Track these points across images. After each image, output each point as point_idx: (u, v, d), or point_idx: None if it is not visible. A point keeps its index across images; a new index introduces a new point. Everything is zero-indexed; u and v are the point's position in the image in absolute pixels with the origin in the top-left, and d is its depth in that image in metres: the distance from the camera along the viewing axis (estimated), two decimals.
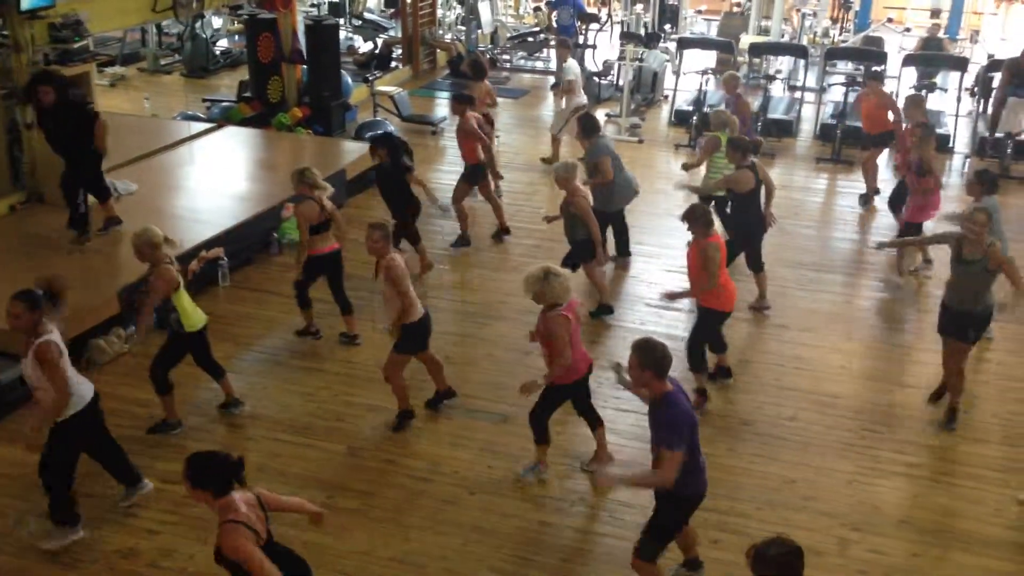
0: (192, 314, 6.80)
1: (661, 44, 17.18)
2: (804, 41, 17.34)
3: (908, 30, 20.27)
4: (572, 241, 8.74)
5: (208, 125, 12.74)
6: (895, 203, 10.55)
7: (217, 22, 19.28)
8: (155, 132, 12.61)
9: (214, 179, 10.95)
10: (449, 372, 7.70)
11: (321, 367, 7.94)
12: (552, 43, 18.15)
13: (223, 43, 19.02)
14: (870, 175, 11.86)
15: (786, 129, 14.39)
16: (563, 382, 6.31)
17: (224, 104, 13.88)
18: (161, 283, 6.58)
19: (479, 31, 18.83)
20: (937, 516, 6.31)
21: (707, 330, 7.49)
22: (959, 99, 14.66)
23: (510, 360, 8.12)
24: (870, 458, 6.91)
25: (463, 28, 18.97)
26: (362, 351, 8.19)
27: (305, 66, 13.62)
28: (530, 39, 19.25)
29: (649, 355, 4.96)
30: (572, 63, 12.98)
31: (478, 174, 10.30)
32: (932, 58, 15.74)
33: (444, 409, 7.35)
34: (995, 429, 7.26)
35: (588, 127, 9.43)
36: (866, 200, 11.85)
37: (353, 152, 11.95)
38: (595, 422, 6.74)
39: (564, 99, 12.71)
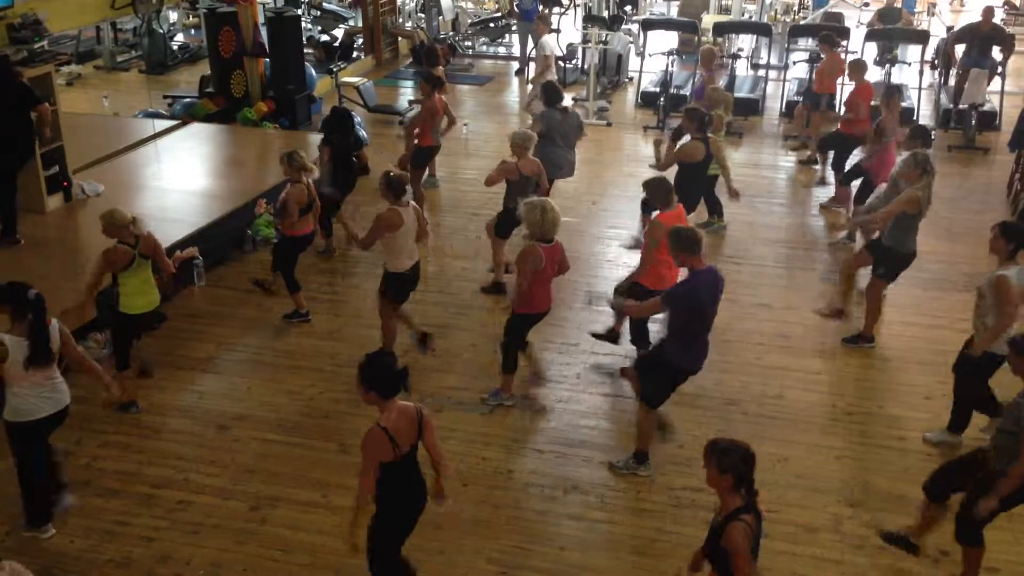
0: (132, 297, 6.89)
1: (624, 26, 17.17)
2: (764, 19, 17.45)
3: (867, 5, 20.47)
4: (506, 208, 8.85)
5: (172, 122, 12.53)
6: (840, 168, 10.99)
7: (173, 17, 18.96)
8: (117, 131, 12.37)
9: (182, 177, 10.77)
10: (434, 364, 7.72)
11: (304, 364, 7.85)
12: (514, 28, 18.11)
13: (180, 38, 18.72)
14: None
15: (752, 108, 14.46)
16: (527, 311, 7.07)
17: (186, 100, 13.66)
18: (103, 260, 6.79)
19: (440, 18, 18.70)
20: None
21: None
22: (921, 72, 14.82)
23: (493, 349, 8.05)
24: (858, 433, 6.98)
25: (423, 15, 18.84)
26: (344, 346, 8.12)
27: (267, 59, 13.44)
28: (492, 25, 19.16)
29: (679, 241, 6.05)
30: (548, 39, 13.22)
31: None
32: (893, 32, 15.89)
33: (432, 403, 7.30)
34: None
35: (551, 96, 9.80)
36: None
37: None
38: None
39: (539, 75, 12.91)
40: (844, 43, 14.29)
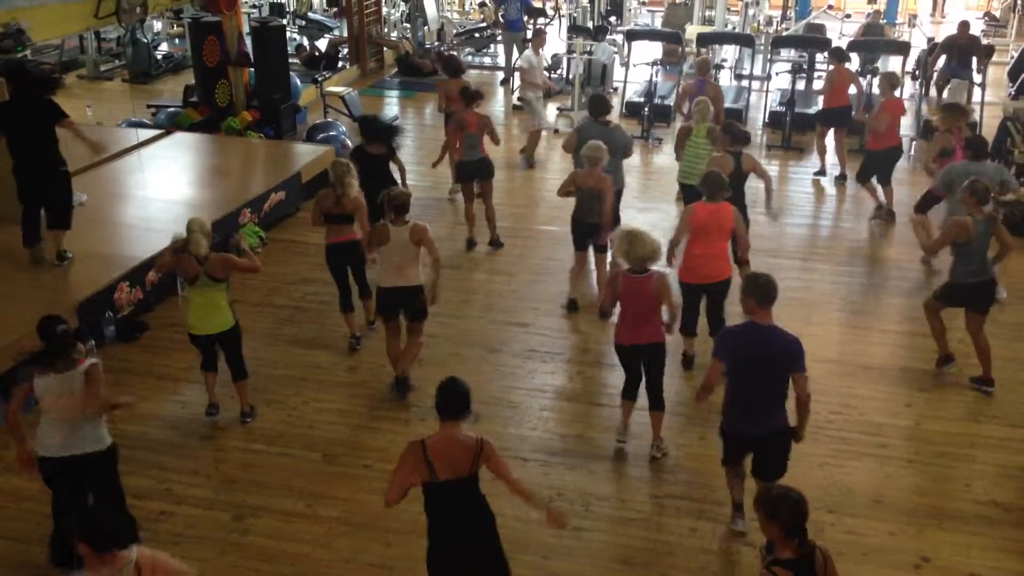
0: (190, 316, 6.92)
1: (609, 36, 17.26)
2: (747, 30, 17.58)
3: (848, 16, 20.64)
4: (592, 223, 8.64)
5: (155, 132, 12.51)
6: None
7: (157, 26, 18.95)
8: (101, 140, 12.29)
9: (166, 187, 10.75)
10: (418, 374, 7.68)
11: (288, 373, 7.84)
12: (499, 38, 18.17)
13: (164, 47, 18.71)
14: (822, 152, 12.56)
15: (735, 118, 14.51)
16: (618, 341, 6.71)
17: (170, 110, 13.64)
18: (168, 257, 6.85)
19: (425, 28, 18.76)
20: (909, 495, 6.43)
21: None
22: (901, 83, 14.92)
23: (477, 358, 8.12)
24: (839, 440, 7.01)
25: (408, 25, 18.88)
26: (328, 356, 8.12)
27: (252, 69, 13.44)
28: (477, 35, 19.22)
29: (752, 285, 5.64)
30: (529, 53, 13.45)
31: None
32: (874, 43, 16.04)
33: (416, 411, 7.31)
34: (959, 407, 7.43)
35: (598, 108, 9.81)
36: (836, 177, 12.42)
37: (307, 155, 11.82)
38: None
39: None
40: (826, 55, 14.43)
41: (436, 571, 4.93)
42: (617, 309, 6.76)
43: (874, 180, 11.05)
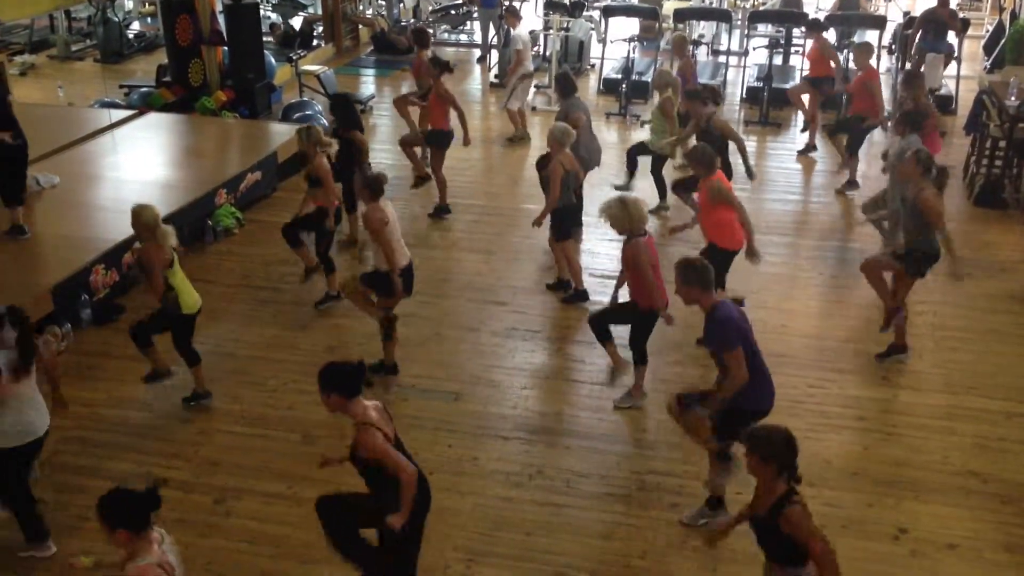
0: (187, 295, 6.79)
1: (585, 13, 17.17)
2: (724, 5, 17.55)
3: None
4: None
5: (129, 112, 12.36)
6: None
7: (128, 4, 18.70)
8: (73, 121, 12.20)
9: (140, 168, 10.63)
10: (399, 353, 7.63)
11: (268, 355, 7.80)
12: (475, 15, 18.03)
13: (136, 26, 18.46)
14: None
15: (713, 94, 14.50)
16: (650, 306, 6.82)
17: (143, 89, 13.47)
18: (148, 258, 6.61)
19: (400, 5, 18.59)
20: (887, 467, 6.48)
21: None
22: (878, 57, 14.96)
23: (456, 338, 8.10)
24: (819, 414, 7.06)
25: (384, 3, 18.71)
26: (307, 337, 8.08)
27: (226, 47, 13.29)
28: (453, 12, 19.07)
29: (692, 272, 5.44)
30: (520, 32, 13.17)
31: (447, 139, 10.45)
32: (851, 18, 16.05)
33: (397, 392, 7.30)
34: (936, 379, 7.49)
35: (565, 87, 9.91)
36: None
37: (282, 134, 11.70)
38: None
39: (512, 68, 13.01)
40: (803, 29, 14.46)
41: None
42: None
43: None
